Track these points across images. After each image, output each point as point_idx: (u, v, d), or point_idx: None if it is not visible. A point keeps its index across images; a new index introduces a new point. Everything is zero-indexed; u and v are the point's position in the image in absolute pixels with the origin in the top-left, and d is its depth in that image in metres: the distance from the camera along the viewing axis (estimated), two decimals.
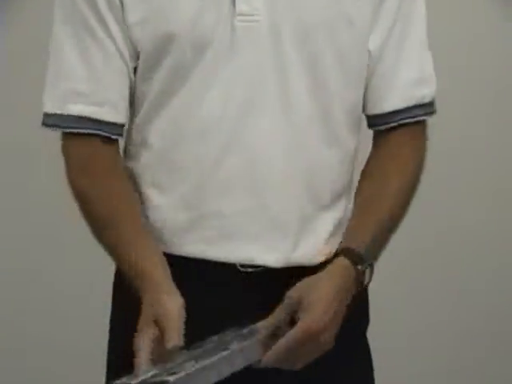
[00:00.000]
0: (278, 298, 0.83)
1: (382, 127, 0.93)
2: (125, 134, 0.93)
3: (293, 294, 0.83)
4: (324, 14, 0.85)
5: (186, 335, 0.77)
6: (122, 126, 0.90)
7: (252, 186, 0.87)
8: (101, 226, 0.88)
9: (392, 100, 0.92)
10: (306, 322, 0.80)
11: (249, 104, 0.85)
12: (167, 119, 0.87)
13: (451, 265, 2.08)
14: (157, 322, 0.78)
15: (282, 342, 0.80)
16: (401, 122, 0.92)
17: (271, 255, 0.87)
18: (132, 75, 0.89)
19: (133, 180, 0.91)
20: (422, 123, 0.96)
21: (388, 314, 1.80)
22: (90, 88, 0.87)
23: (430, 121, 0.97)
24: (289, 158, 0.87)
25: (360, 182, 0.95)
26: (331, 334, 0.82)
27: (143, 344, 0.76)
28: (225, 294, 0.88)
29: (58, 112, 0.88)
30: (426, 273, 2.08)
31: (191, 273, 0.88)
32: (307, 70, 0.86)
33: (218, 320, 0.84)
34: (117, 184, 0.89)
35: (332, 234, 0.91)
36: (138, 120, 0.90)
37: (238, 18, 0.83)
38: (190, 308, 0.80)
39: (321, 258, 0.89)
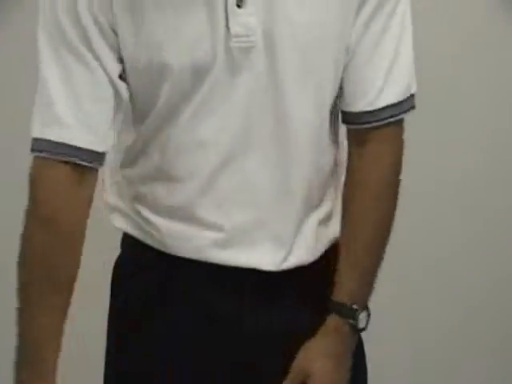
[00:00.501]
0: (275, 296, 0.93)
1: (364, 126, 0.93)
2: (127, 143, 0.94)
3: (297, 363, 0.92)
4: (318, 32, 0.86)
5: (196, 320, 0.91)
6: (101, 154, 0.88)
7: (245, 203, 0.90)
8: (26, 291, 0.89)
9: (362, 103, 0.92)
10: None
11: (246, 124, 0.87)
12: (168, 136, 0.88)
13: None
14: None
15: None
16: (386, 120, 0.92)
17: (268, 262, 0.91)
18: (121, 96, 0.88)
19: (127, 183, 0.94)
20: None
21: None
22: (70, 114, 0.85)
23: None
24: (281, 181, 0.90)
25: (348, 193, 0.97)
26: None
27: None
28: (221, 292, 0.93)
29: (38, 136, 0.86)
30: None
31: (191, 271, 0.93)
32: (303, 87, 0.88)
33: (219, 314, 0.92)
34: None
35: (322, 227, 0.96)
36: (143, 128, 0.90)
37: (234, 39, 0.83)
38: (194, 299, 0.91)
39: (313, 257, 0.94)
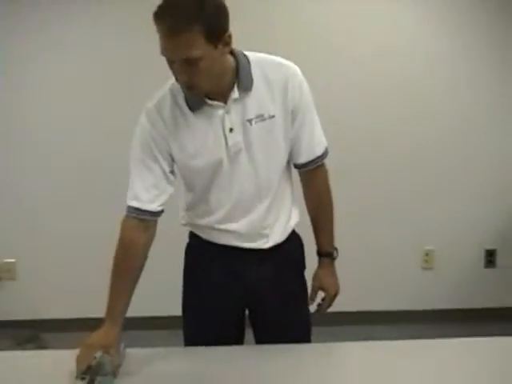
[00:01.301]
0: (263, 260, 1.80)
1: (305, 169, 1.83)
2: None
3: (315, 282, 1.92)
4: (273, 137, 1.71)
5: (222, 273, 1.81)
6: (156, 212, 1.70)
7: (244, 219, 1.76)
8: (115, 277, 1.69)
9: (304, 157, 1.81)
10: (331, 290, 1.92)
11: (240, 187, 1.72)
12: (204, 198, 1.75)
13: None
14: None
15: (328, 302, 1.91)
16: (312, 166, 1.83)
17: (258, 244, 1.79)
18: (172, 183, 1.72)
19: (188, 216, 1.84)
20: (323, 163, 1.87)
21: None
22: (141, 193, 1.68)
23: None
24: (261, 206, 1.77)
25: (308, 203, 1.91)
26: (338, 286, 1.93)
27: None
28: (235, 259, 1.81)
29: (131, 204, 1.69)
30: None
31: (221, 249, 1.80)
32: (268, 161, 1.72)
33: (232, 268, 1.80)
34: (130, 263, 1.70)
35: (286, 222, 1.85)
36: (192, 194, 1.79)
37: (231, 148, 1.67)
38: (218, 263, 1.81)
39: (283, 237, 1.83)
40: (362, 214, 3.71)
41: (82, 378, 1.46)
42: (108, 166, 3.63)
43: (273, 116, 1.67)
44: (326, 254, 1.91)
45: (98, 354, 1.51)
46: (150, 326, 3.45)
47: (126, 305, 1.66)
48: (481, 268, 3.85)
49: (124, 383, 1.53)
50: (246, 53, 1.69)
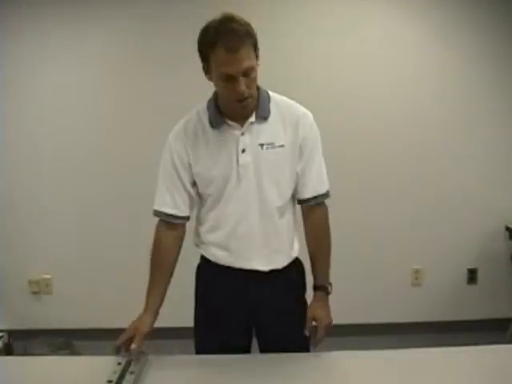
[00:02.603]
0: (265, 280, 1.78)
1: (307, 204, 1.84)
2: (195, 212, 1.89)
3: (309, 313, 1.80)
4: (279, 165, 1.74)
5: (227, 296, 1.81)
6: (183, 217, 1.81)
7: (248, 242, 1.78)
8: (151, 271, 1.80)
9: (307, 193, 1.81)
10: (323, 321, 1.79)
11: (245, 205, 1.75)
12: (215, 210, 1.79)
13: None
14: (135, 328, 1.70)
15: (321, 332, 1.77)
16: (314, 202, 1.83)
17: (262, 267, 1.79)
18: (192, 191, 1.80)
19: (200, 232, 1.87)
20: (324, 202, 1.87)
21: None
22: (169, 201, 1.78)
23: None
24: (266, 232, 1.78)
25: (307, 238, 1.86)
26: (331, 318, 1.83)
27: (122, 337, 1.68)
28: (240, 279, 1.79)
29: (157, 209, 1.81)
30: None
31: (222, 271, 1.81)
32: (273, 186, 1.74)
33: (239, 290, 1.80)
34: (163, 261, 1.80)
35: (287, 250, 1.85)
36: (203, 207, 1.84)
37: (241, 166, 1.72)
38: (229, 282, 1.81)
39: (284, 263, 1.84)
40: (356, 236, 3.73)
41: (119, 363, 1.62)
42: (140, 193, 3.57)
43: (282, 145, 1.74)
44: (321, 288, 1.87)
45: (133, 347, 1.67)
46: (164, 336, 3.42)
47: (160, 297, 1.78)
48: (464, 284, 3.87)
49: None
50: (268, 91, 1.82)
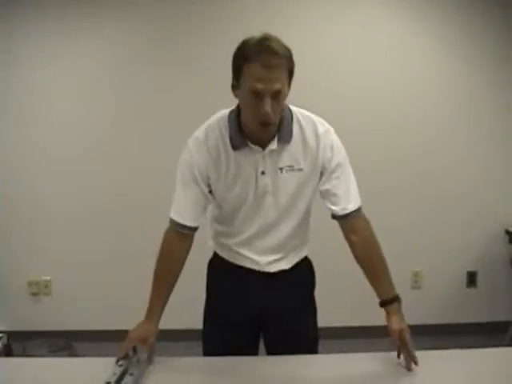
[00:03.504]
0: (273, 279, 1.81)
1: (343, 221, 1.76)
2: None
3: (393, 336, 1.69)
4: (298, 189, 1.74)
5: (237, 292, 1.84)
6: (193, 227, 1.76)
7: (259, 249, 1.81)
8: (156, 281, 1.76)
9: (339, 210, 1.73)
10: (407, 333, 1.67)
11: (262, 224, 1.78)
12: (229, 219, 1.80)
13: None
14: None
15: (409, 345, 1.66)
16: (349, 218, 1.75)
17: (269, 268, 1.82)
18: (207, 204, 1.79)
19: (214, 232, 1.90)
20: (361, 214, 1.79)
21: None
22: (183, 211, 1.74)
23: None
24: (278, 242, 1.80)
25: (356, 254, 1.75)
26: (407, 327, 1.69)
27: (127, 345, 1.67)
28: (251, 276, 1.82)
29: (171, 217, 1.77)
30: None
31: (235, 268, 1.84)
32: (291, 210, 1.77)
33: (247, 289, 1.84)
34: (170, 268, 1.77)
35: (296, 253, 1.86)
36: (220, 212, 1.83)
37: (259, 188, 1.72)
38: (238, 281, 1.84)
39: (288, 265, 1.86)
40: None
41: (120, 365, 1.60)
42: (140, 193, 3.62)
43: (301, 169, 1.73)
44: (391, 301, 1.72)
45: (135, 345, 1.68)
46: (171, 338, 3.42)
47: (163, 306, 1.76)
48: (463, 288, 3.89)
49: None
50: (291, 107, 1.75)
